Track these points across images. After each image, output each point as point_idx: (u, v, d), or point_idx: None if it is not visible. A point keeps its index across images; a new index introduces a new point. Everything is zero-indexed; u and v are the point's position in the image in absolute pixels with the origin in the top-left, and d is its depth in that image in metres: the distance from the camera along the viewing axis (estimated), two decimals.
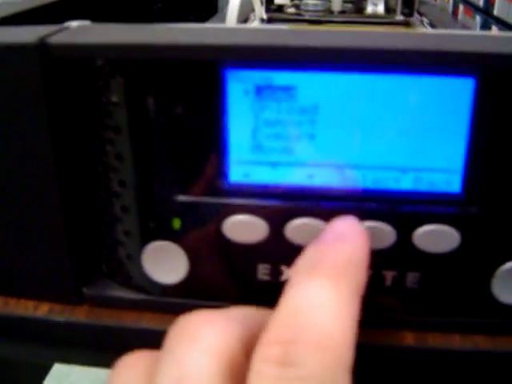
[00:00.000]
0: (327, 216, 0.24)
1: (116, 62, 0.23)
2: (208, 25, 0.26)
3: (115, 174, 0.25)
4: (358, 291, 0.20)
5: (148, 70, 0.23)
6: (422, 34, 0.23)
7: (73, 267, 0.26)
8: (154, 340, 0.22)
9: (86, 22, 0.27)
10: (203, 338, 0.20)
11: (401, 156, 0.23)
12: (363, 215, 0.24)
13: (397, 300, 0.25)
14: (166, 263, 0.25)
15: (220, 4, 0.61)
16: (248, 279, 0.25)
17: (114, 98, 0.24)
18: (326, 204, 0.24)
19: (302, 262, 0.21)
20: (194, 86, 0.23)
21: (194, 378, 0.18)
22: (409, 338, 0.25)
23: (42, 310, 0.27)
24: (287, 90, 0.23)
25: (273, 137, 0.24)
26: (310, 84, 0.23)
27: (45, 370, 0.56)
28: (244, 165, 0.24)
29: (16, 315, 0.27)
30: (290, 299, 0.20)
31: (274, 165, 0.24)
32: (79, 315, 0.27)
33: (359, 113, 0.23)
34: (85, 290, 0.27)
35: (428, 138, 0.23)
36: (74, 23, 0.26)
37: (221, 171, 0.24)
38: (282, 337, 0.19)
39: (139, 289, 0.27)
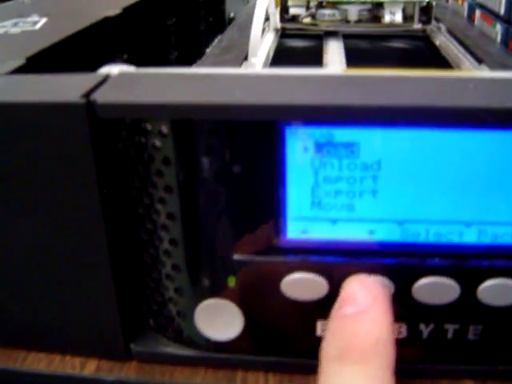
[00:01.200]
0: (389, 272, 0.23)
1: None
2: (260, 72, 0.25)
3: (166, 233, 0.24)
4: (389, 370, 0.21)
5: (202, 129, 0.22)
6: (482, 82, 0.23)
7: (121, 323, 0.25)
8: None
9: (125, 67, 0.26)
10: None
11: (465, 210, 0.23)
12: (426, 271, 0.23)
13: (458, 351, 0.25)
14: (220, 320, 0.25)
15: (226, 8, 0.60)
16: (307, 335, 0.25)
17: (166, 157, 0.22)
18: (387, 260, 0.23)
19: (330, 344, 0.21)
20: (252, 143, 0.22)
21: None
22: None
23: (89, 368, 0.26)
24: (349, 146, 0.22)
25: (333, 193, 0.23)
26: (372, 140, 0.22)
27: None
28: (302, 221, 0.23)
29: (62, 374, 0.26)
30: None
31: (333, 221, 0.23)
32: (129, 373, 0.26)
33: (422, 167, 0.22)
34: (133, 346, 0.26)
35: (492, 191, 0.22)
36: (113, 69, 0.25)
37: (278, 228, 0.23)
38: None
39: (190, 344, 0.26)
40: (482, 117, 0.21)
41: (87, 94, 0.22)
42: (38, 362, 0.26)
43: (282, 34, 0.47)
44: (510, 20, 0.42)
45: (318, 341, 0.24)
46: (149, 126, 0.22)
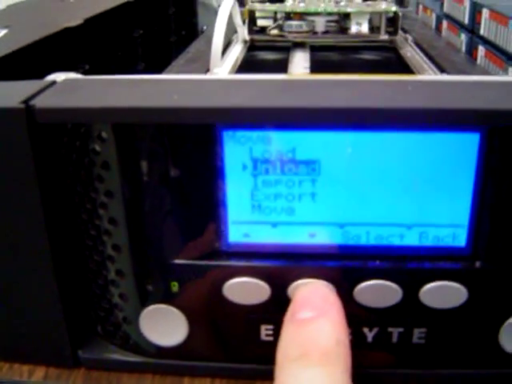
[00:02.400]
0: (331, 275, 0.23)
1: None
2: (203, 77, 0.25)
3: (109, 238, 0.24)
4: (348, 370, 0.21)
5: (141, 134, 0.22)
6: (422, 85, 0.23)
7: (68, 330, 0.25)
8: None
9: (72, 74, 0.26)
10: None
11: (405, 212, 0.23)
12: (368, 273, 0.23)
13: (403, 355, 0.25)
14: (164, 326, 0.25)
15: (199, 21, 0.60)
16: (251, 340, 0.24)
17: (105, 162, 0.23)
18: (328, 263, 0.23)
19: (289, 347, 0.21)
20: (191, 147, 0.22)
21: None
22: None
23: (37, 376, 0.26)
24: (287, 149, 0.22)
25: (272, 196, 0.23)
26: (310, 142, 0.22)
27: None
28: (244, 225, 0.23)
29: (10, 381, 0.26)
30: None
31: (274, 225, 0.23)
32: (76, 380, 0.26)
33: (361, 170, 0.22)
34: (80, 353, 0.26)
35: (433, 193, 0.22)
36: (60, 76, 0.25)
37: (220, 232, 0.23)
38: None
39: (137, 351, 0.26)
40: (419, 118, 0.21)
41: (27, 100, 0.22)
42: None
43: (251, 46, 0.47)
44: (473, 30, 0.43)
45: (262, 345, 0.24)
46: (88, 131, 0.22)
